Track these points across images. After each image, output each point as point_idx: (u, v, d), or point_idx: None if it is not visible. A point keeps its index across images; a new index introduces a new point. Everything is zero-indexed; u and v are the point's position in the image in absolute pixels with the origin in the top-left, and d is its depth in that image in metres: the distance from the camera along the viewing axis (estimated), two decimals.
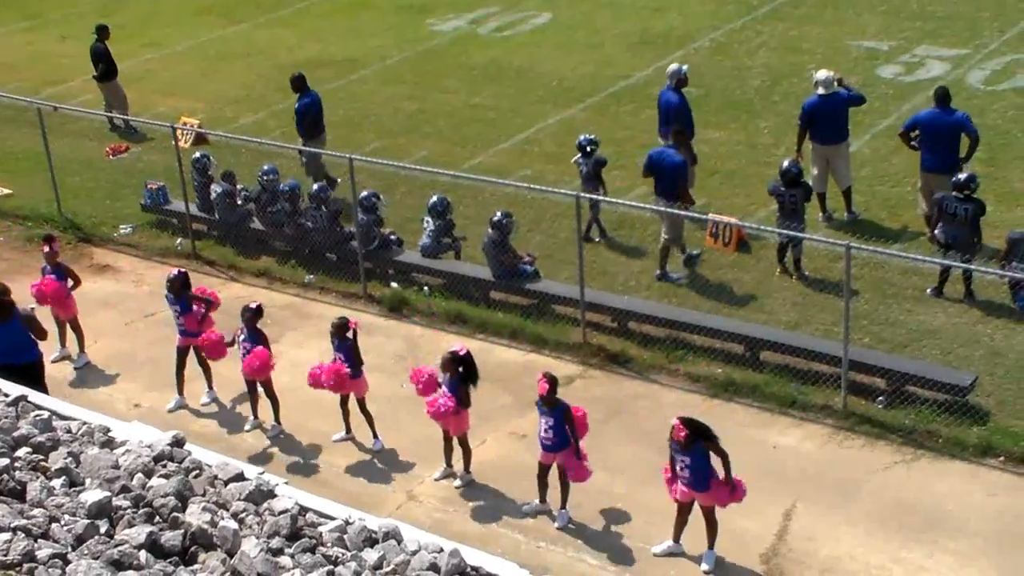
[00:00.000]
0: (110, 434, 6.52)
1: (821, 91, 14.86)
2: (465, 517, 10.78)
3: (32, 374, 10.79)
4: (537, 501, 10.72)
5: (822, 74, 15.02)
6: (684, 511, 9.97)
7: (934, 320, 12.97)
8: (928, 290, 13.38)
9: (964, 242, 13.05)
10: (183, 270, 12.82)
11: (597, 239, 15.18)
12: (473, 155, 18.18)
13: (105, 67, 20.42)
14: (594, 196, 14.53)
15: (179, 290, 12.41)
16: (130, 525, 5.51)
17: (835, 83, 14.88)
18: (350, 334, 11.52)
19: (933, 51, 20.61)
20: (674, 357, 12.74)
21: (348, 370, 11.46)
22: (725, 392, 12.21)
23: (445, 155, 18.08)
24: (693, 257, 14.41)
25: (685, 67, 15.69)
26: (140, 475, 5.92)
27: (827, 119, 14.83)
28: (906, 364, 11.93)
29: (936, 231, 13.33)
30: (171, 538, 5.42)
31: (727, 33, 22.46)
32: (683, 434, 9.52)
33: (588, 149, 15.00)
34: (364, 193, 14.80)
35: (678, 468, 9.76)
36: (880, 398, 11.78)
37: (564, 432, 10.28)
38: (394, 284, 14.72)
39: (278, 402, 12.17)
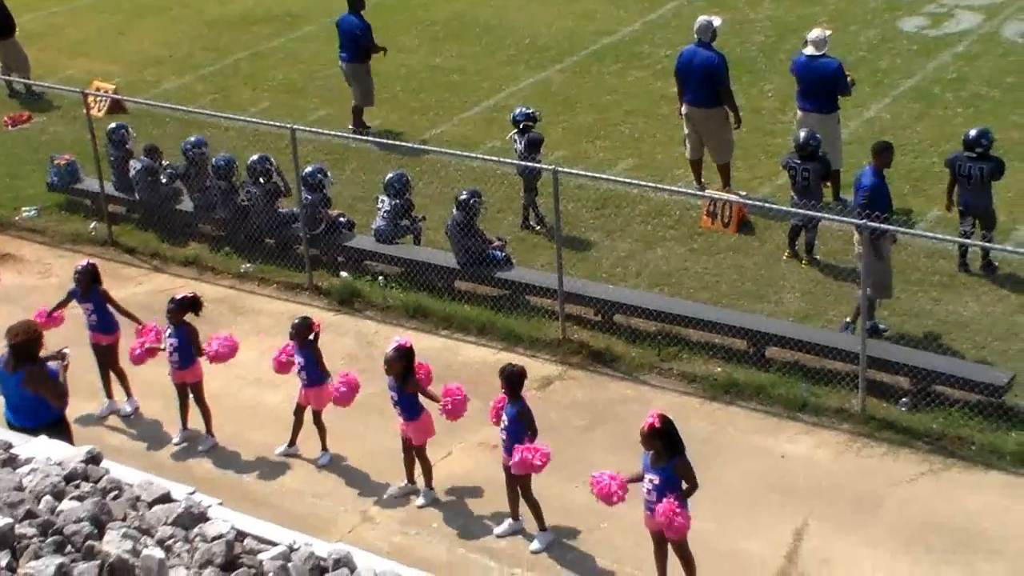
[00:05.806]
0: (12, 451, 6.49)
1: (809, 51, 15.03)
2: (428, 541, 10.79)
3: None
4: (510, 520, 10.73)
5: (815, 33, 15.18)
6: (663, 541, 9.63)
7: (965, 309, 13.05)
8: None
9: (980, 206, 13.23)
10: (92, 262, 12.77)
11: (538, 228, 15.19)
12: (435, 124, 18.18)
13: (0, 22, 20.29)
14: (566, 169, 14.51)
15: (88, 284, 12.41)
16: (36, 556, 5.48)
17: (826, 44, 14.96)
18: (311, 336, 11.58)
19: (963, 0, 20.75)
20: (667, 355, 12.79)
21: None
22: (726, 394, 12.26)
23: (402, 124, 18.09)
24: (879, 330, 12.91)
25: (718, 20, 15.74)
26: (49, 498, 5.90)
27: (809, 83, 14.93)
28: (933, 360, 11.99)
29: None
30: (85, 570, 5.40)
31: None
32: (648, 427, 9.11)
33: (523, 125, 15.07)
34: (308, 169, 14.77)
35: (645, 487, 9.40)
36: (904, 400, 11.86)
37: (520, 429, 10.25)
38: (344, 273, 14.72)
39: (209, 411, 12.15)
